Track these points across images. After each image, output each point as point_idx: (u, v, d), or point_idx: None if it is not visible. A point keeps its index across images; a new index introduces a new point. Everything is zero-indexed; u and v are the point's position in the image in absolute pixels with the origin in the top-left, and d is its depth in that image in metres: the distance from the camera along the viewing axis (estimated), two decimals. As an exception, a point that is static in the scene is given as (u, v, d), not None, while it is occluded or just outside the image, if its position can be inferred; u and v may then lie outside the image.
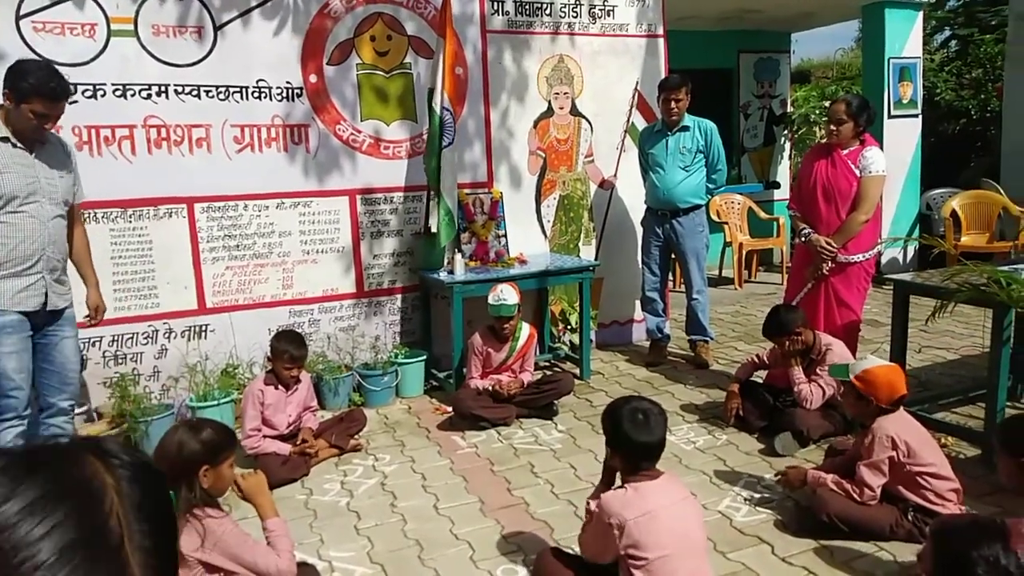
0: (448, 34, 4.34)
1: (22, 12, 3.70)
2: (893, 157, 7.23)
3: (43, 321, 3.04)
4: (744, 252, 7.41)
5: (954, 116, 8.68)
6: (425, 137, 4.56)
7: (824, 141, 4.04)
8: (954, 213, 7.24)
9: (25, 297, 2.94)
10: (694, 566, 2.12)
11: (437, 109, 4.33)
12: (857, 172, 3.84)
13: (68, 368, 3.17)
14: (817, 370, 3.66)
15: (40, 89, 2.83)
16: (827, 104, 9.84)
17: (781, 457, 3.52)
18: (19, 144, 2.90)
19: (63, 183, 3.06)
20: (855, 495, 2.74)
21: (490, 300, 4.05)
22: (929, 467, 2.69)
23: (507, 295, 4.04)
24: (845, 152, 3.88)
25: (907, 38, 7.22)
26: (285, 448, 3.53)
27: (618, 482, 2.30)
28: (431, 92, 4.40)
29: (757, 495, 3.17)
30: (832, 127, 3.88)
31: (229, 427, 2.22)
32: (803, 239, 4.00)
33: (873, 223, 3.91)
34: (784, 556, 2.70)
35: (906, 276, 4.02)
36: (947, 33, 10.32)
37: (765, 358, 3.97)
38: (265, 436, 3.53)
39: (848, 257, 3.90)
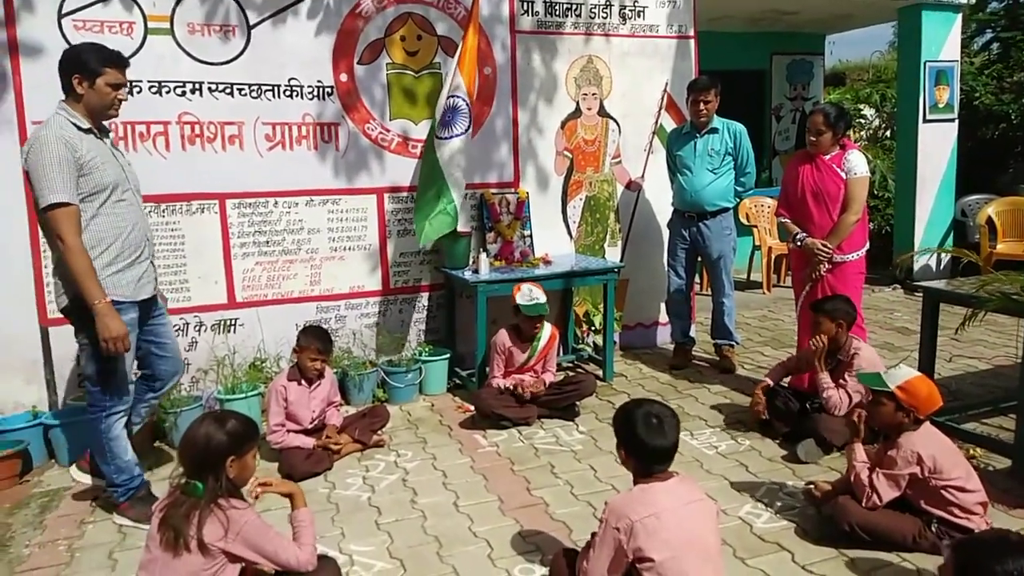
0: (474, 30, 4.34)
1: (64, 11, 3.81)
2: (928, 162, 7.14)
3: (145, 309, 3.09)
4: (773, 256, 7.33)
5: (993, 120, 8.47)
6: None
7: (806, 149, 4.18)
8: (990, 220, 7.09)
9: (143, 285, 3.01)
10: (704, 569, 2.10)
11: (441, 102, 4.32)
12: (843, 175, 3.99)
13: (177, 349, 3.32)
14: (845, 375, 3.61)
15: (109, 58, 2.86)
16: (859, 107, 9.75)
17: (804, 464, 3.48)
18: (98, 136, 2.92)
19: (134, 171, 3.11)
20: (862, 496, 2.72)
21: (522, 301, 4.05)
22: (955, 480, 2.64)
23: (538, 294, 4.06)
24: (828, 157, 4.05)
25: (944, 41, 7.08)
26: (309, 442, 3.58)
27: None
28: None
29: (778, 502, 3.14)
30: (812, 137, 4.05)
31: (252, 418, 2.28)
32: (798, 243, 4.12)
33: (862, 223, 4.06)
34: (804, 564, 2.68)
35: (937, 284, 3.96)
36: (989, 35, 10.08)
37: (802, 362, 3.94)
38: (289, 431, 3.59)
39: (843, 256, 4.03)
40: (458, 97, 4.32)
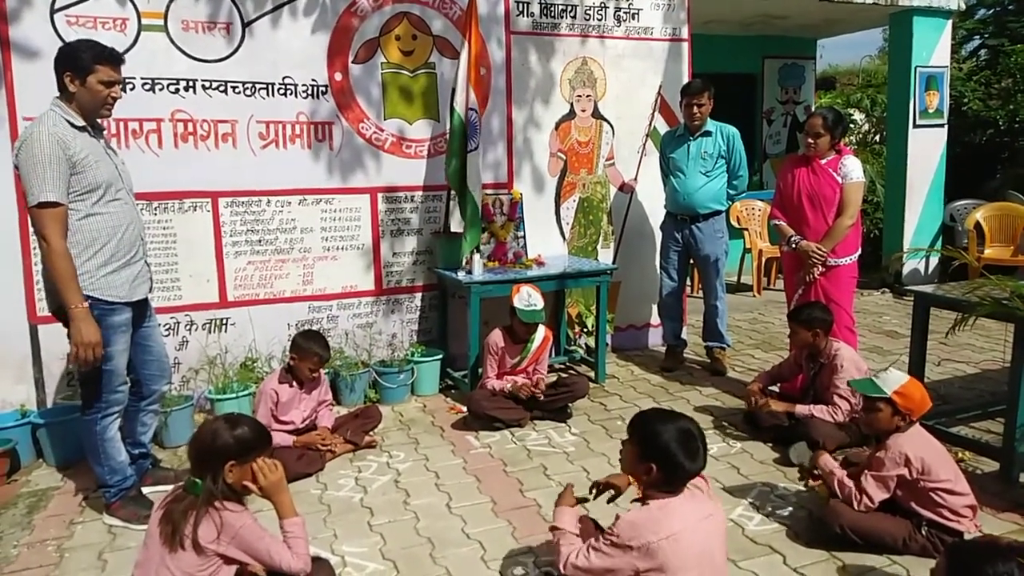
0: (473, 34, 4.35)
1: (57, 6, 3.77)
2: (917, 167, 7.20)
3: (139, 311, 3.06)
4: (764, 259, 7.37)
5: (981, 126, 8.55)
6: (447, 137, 4.58)
7: (801, 153, 4.21)
8: (978, 225, 7.16)
9: (137, 285, 2.97)
10: None
11: (459, 110, 4.35)
12: (839, 179, 4.03)
13: (163, 354, 3.28)
14: (834, 379, 3.63)
15: (101, 55, 2.80)
16: (849, 111, 9.82)
17: (795, 467, 3.50)
18: (92, 134, 2.88)
19: (127, 169, 3.07)
20: (853, 501, 2.74)
21: (520, 306, 4.03)
22: (944, 483, 2.66)
23: (536, 300, 4.05)
24: (824, 162, 4.08)
25: (935, 47, 7.14)
26: (288, 439, 3.55)
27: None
28: (454, 92, 4.42)
29: (770, 504, 3.16)
30: (809, 140, 4.08)
31: (267, 430, 2.26)
32: (792, 246, 4.15)
33: (855, 227, 4.10)
34: (796, 567, 2.69)
35: (927, 288, 3.99)
36: (977, 42, 10.18)
37: (783, 368, 3.99)
38: (273, 430, 3.54)
39: (837, 260, 4.07)
40: (474, 111, 4.37)
